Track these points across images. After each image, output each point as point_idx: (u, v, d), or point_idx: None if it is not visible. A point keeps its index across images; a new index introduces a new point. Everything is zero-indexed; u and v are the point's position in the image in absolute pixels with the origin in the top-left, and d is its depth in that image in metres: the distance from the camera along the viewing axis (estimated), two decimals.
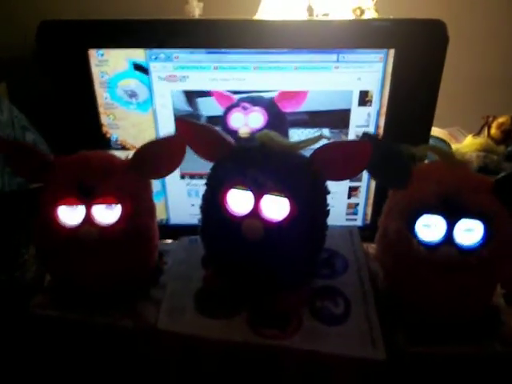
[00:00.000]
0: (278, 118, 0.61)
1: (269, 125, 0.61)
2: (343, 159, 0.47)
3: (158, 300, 0.54)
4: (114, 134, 0.64)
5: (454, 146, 0.86)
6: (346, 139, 0.64)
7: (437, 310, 0.51)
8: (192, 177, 0.68)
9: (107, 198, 0.50)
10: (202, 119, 0.63)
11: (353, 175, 0.56)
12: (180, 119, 0.50)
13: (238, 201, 0.48)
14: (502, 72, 1.16)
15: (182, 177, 0.69)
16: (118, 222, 0.50)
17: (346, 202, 0.71)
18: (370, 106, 0.62)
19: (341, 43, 0.58)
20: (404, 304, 0.53)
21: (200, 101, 0.62)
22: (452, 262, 0.48)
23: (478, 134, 0.95)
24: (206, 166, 0.66)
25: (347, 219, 0.72)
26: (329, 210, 0.51)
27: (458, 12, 1.17)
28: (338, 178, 0.51)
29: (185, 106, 0.63)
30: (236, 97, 0.61)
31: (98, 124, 0.64)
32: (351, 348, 0.48)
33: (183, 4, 1.05)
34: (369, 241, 0.63)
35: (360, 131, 0.64)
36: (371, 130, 0.64)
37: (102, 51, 0.59)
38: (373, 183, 0.69)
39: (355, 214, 0.72)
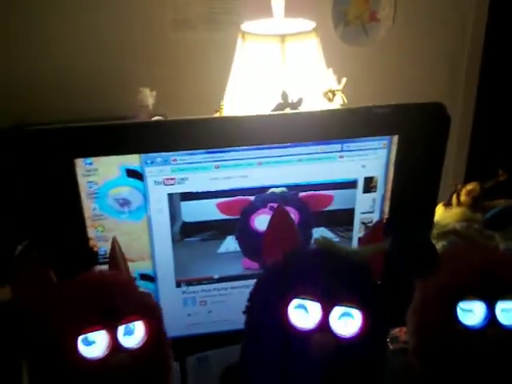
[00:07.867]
0: (309, 217, 0.58)
1: (301, 224, 0.58)
2: None
3: None
4: (103, 246, 0.57)
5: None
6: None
7: None
8: (189, 283, 0.62)
9: (132, 316, 0.45)
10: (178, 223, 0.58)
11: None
12: (281, 207, 0.49)
13: (303, 312, 0.43)
14: None
15: (178, 284, 0.62)
16: (145, 342, 0.46)
17: None
18: (375, 191, 0.60)
19: (344, 133, 0.56)
20: None
21: (183, 204, 0.58)
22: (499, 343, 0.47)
23: (448, 202, 0.96)
24: (204, 271, 0.60)
25: None
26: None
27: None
28: None
29: None
30: (251, 198, 0.57)
31: (84, 238, 0.56)
32: None
33: (136, 94, 1.02)
34: None
35: (365, 218, 0.62)
36: (376, 215, 0.62)
37: (90, 159, 0.53)
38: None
39: None
